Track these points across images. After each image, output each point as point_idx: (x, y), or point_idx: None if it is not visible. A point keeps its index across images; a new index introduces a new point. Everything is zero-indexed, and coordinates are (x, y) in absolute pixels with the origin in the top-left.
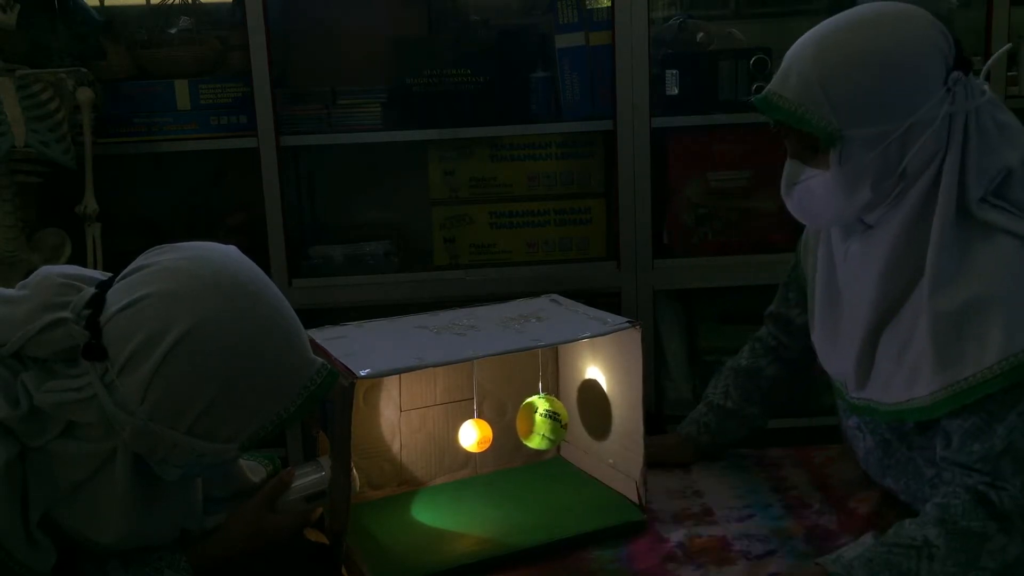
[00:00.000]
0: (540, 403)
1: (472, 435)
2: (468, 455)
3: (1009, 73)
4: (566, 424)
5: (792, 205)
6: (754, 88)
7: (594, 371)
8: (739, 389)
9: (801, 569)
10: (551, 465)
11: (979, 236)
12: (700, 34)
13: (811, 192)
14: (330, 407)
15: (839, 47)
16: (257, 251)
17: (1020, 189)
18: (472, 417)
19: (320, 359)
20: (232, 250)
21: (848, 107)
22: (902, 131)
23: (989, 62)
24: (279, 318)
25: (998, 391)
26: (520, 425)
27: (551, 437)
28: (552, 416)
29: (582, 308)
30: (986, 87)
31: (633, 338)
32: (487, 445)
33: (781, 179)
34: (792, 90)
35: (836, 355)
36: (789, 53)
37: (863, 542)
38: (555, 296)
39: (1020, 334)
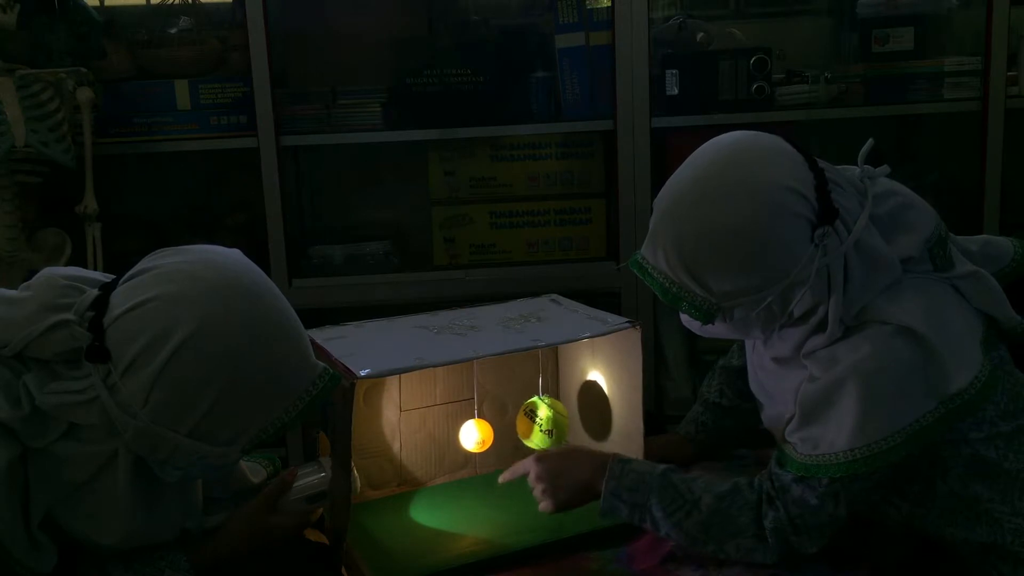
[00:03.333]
0: (541, 410)
1: (473, 435)
2: (468, 455)
3: (1009, 73)
4: (562, 436)
5: (695, 331)
6: (634, 260)
7: (594, 371)
8: (732, 387)
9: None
10: None
11: (850, 332)
12: (700, 34)
13: (708, 330)
14: (331, 408)
15: (696, 229)
16: (257, 251)
17: (914, 267)
18: (473, 417)
19: (322, 363)
20: (236, 253)
21: (718, 288)
22: (778, 292)
23: (863, 150)
24: (282, 322)
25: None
26: (519, 426)
27: (547, 445)
28: (548, 434)
29: (582, 308)
30: (867, 182)
31: (633, 338)
32: (488, 445)
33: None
34: (662, 264)
35: (769, 421)
36: (656, 210)
37: (656, 464)
38: (555, 296)
39: (871, 425)
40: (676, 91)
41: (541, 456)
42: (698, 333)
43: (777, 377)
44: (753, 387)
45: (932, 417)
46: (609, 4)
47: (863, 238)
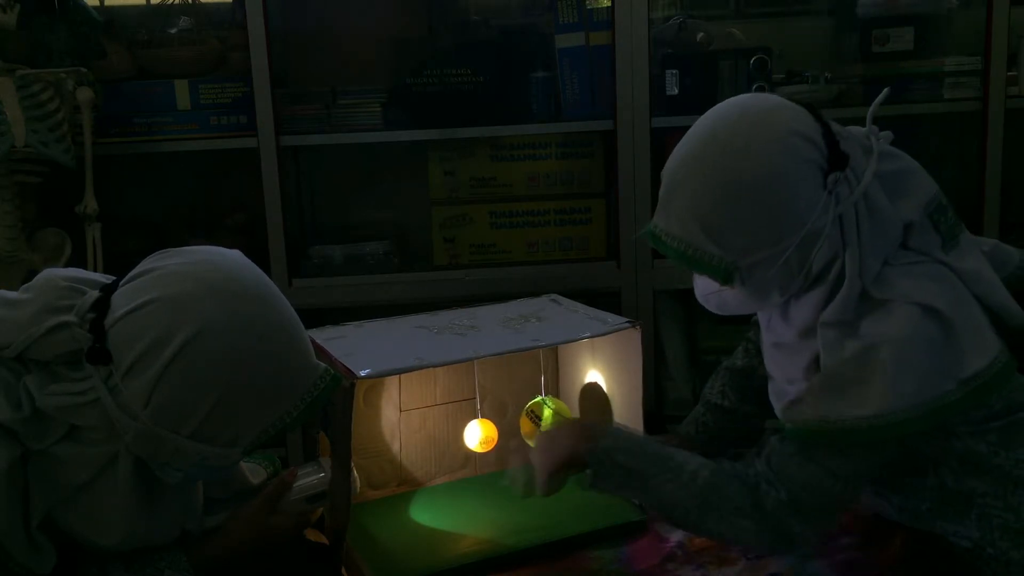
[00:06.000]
0: (544, 411)
1: (477, 435)
2: (468, 455)
3: (1009, 73)
4: None
5: (711, 308)
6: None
7: (594, 371)
8: (735, 388)
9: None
10: None
11: (874, 310)
12: (700, 34)
13: (726, 301)
14: (331, 408)
15: (710, 184)
16: (257, 251)
17: (918, 239)
18: (473, 417)
19: (323, 364)
20: (237, 255)
21: (733, 243)
22: (795, 245)
23: (873, 106)
24: (283, 323)
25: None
26: (523, 427)
27: None
28: None
29: (582, 308)
30: (872, 140)
31: (633, 338)
32: (492, 445)
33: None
34: (676, 229)
35: (781, 395)
36: (666, 177)
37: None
38: (555, 296)
39: (898, 393)
40: (676, 91)
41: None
42: (715, 311)
43: (792, 352)
44: (768, 365)
45: (952, 396)
46: (609, 4)
47: (871, 192)
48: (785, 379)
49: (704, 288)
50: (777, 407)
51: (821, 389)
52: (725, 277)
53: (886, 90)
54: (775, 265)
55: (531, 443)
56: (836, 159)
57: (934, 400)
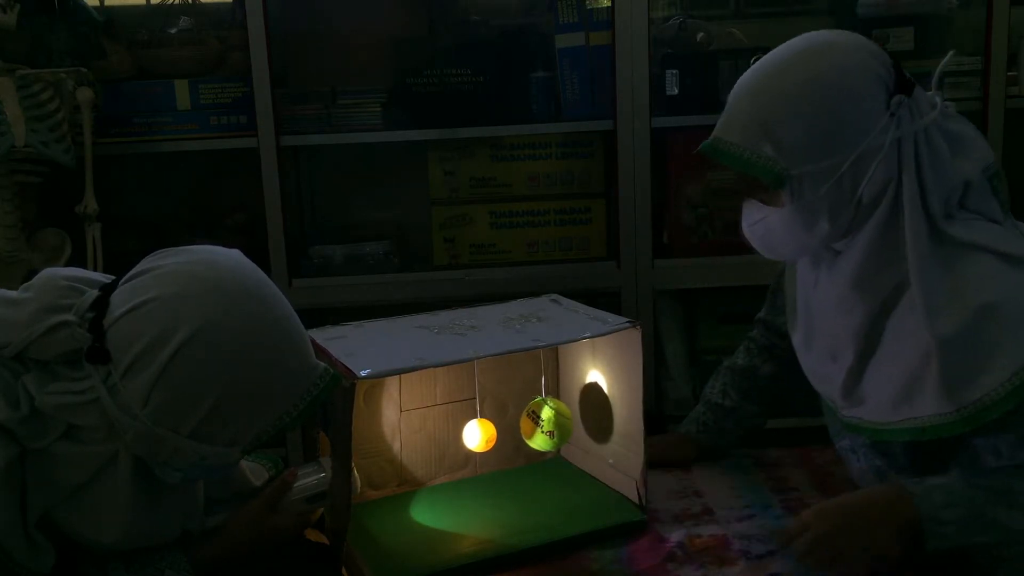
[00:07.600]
0: (544, 411)
1: (477, 435)
2: (468, 455)
3: (1009, 73)
4: (565, 438)
5: (754, 243)
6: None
7: (594, 371)
8: (736, 388)
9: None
10: (551, 465)
11: (957, 255)
12: (700, 34)
13: (771, 229)
14: (331, 408)
15: (775, 86)
16: (257, 251)
17: (977, 199)
18: (473, 417)
19: (322, 364)
20: (236, 254)
21: (791, 146)
22: (850, 162)
23: (939, 68)
24: (283, 323)
25: (1017, 405)
26: (523, 427)
27: (549, 446)
28: (550, 435)
29: (582, 308)
30: (937, 99)
31: (633, 338)
32: (492, 445)
33: (741, 218)
34: (735, 134)
35: (824, 378)
36: (732, 94)
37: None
38: (555, 296)
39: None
40: (676, 91)
41: (819, 515)
42: (758, 245)
43: (844, 311)
44: (803, 341)
45: None
46: (609, 4)
47: (933, 138)
48: (828, 353)
49: (751, 216)
50: (828, 391)
51: (948, 372)
52: (776, 180)
53: (951, 52)
54: (828, 181)
55: (529, 442)
56: (903, 84)
57: None
